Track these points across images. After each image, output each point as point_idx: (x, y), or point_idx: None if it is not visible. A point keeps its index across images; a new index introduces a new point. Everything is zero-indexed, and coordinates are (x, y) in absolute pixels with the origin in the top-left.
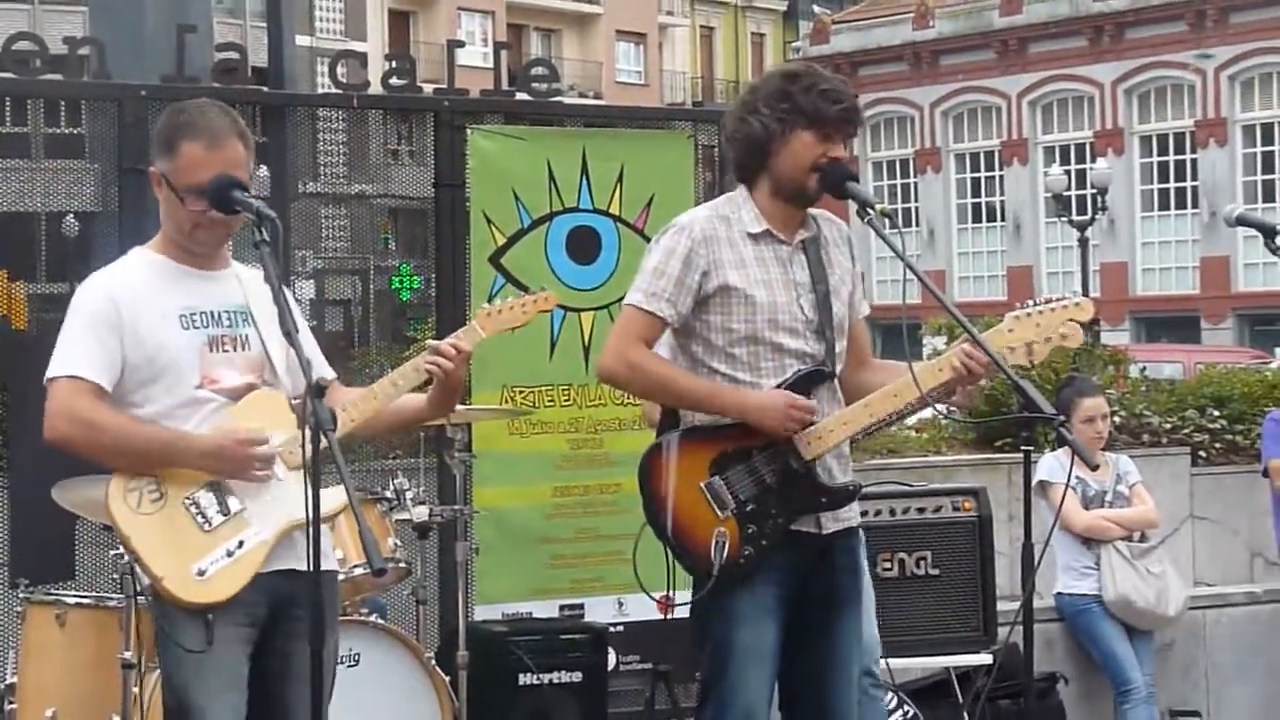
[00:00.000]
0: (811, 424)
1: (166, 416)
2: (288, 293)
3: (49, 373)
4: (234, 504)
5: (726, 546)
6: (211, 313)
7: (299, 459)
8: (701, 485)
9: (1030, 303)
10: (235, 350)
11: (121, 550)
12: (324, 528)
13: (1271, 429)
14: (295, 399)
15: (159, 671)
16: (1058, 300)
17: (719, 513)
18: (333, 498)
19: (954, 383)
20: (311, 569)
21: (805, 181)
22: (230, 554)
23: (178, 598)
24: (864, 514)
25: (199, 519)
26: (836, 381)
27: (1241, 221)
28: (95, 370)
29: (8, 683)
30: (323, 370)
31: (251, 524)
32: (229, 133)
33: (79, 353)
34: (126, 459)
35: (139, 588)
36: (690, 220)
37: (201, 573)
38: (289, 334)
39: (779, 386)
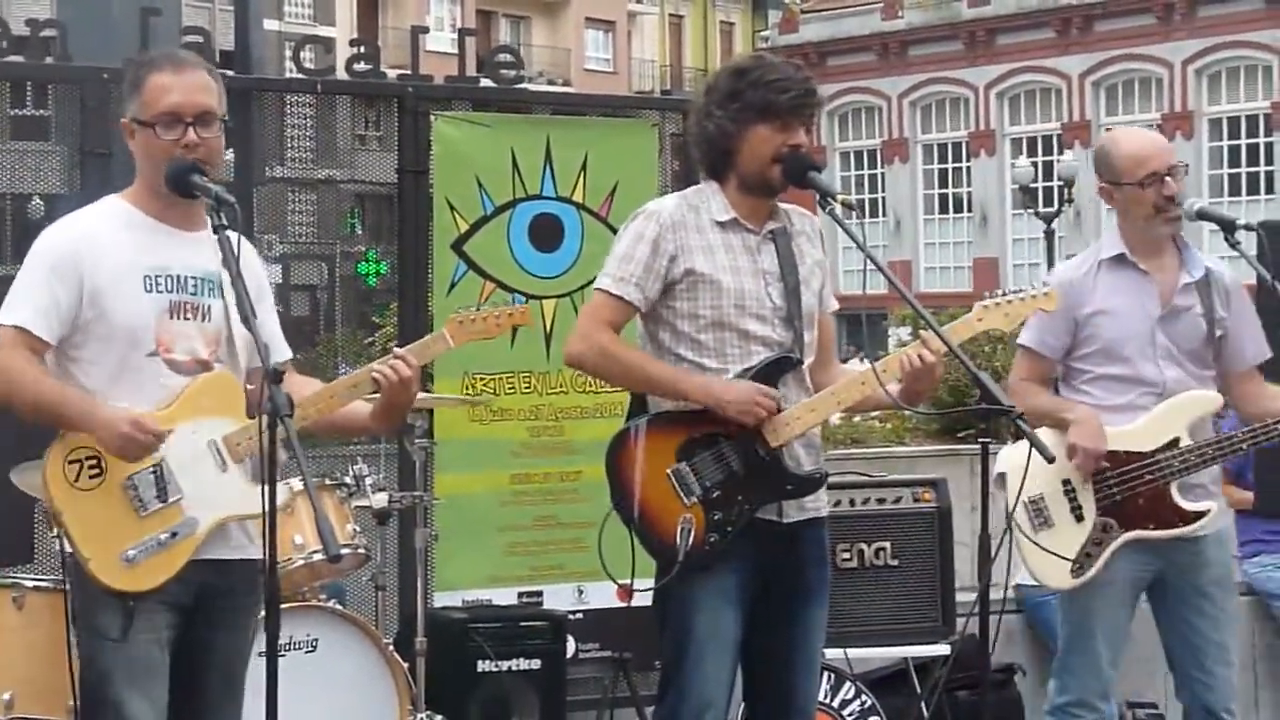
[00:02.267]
0: (778, 412)
1: (113, 379)
2: (261, 269)
3: (1, 314)
4: (173, 491)
5: (692, 533)
6: (178, 277)
7: (245, 450)
8: (668, 471)
9: (1000, 292)
10: (196, 319)
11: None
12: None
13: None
14: (250, 386)
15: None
16: (1026, 290)
17: (685, 499)
18: (279, 496)
19: (911, 375)
20: (266, 558)
21: (768, 173)
22: (161, 543)
23: (101, 581)
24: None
25: (135, 502)
26: (805, 370)
27: (1202, 215)
28: (42, 324)
29: None
30: (282, 352)
31: (187, 513)
32: (194, 62)
33: (28, 302)
34: (42, 415)
35: (66, 565)
36: (659, 206)
37: (129, 559)
38: (246, 319)
39: (746, 373)
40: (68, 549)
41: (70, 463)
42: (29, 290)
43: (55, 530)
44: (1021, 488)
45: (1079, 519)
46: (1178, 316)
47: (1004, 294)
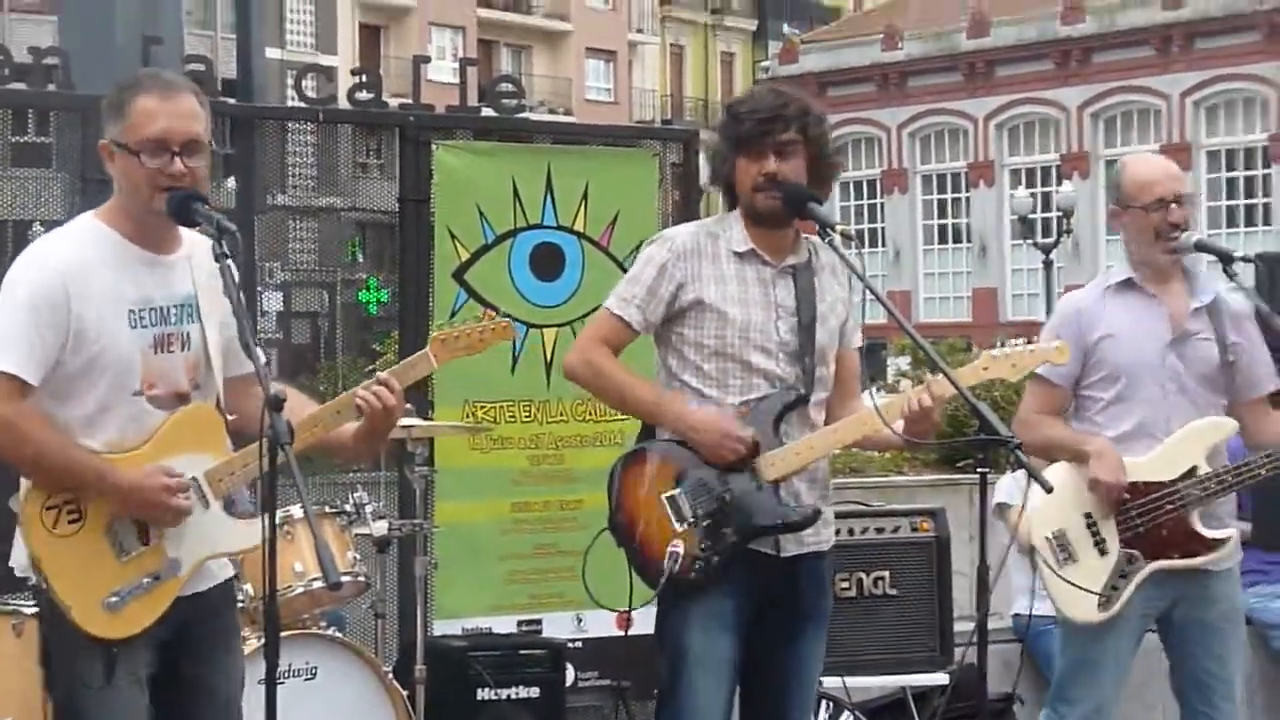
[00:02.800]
0: (757, 453)
1: (97, 417)
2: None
3: None
4: (154, 533)
5: (680, 559)
6: (161, 309)
7: (227, 486)
8: (663, 496)
9: (1013, 341)
10: (178, 350)
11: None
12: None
13: None
14: (231, 414)
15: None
16: (1038, 343)
17: (676, 525)
18: (252, 533)
19: (913, 418)
20: (266, 592)
21: (755, 203)
22: (144, 587)
23: (84, 630)
24: None
25: (115, 547)
26: (812, 406)
27: (1200, 247)
28: (30, 367)
29: None
30: (244, 363)
31: (169, 554)
32: (182, 87)
33: (16, 344)
34: (42, 476)
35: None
36: (674, 233)
37: (111, 605)
38: (247, 346)
39: (746, 404)
40: (44, 591)
41: (48, 509)
42: (14, 331)
43: (35, 576)
44: (1020, 523)
45: (1103, 552)
46: (1187, 341)
47: (1014, 343)
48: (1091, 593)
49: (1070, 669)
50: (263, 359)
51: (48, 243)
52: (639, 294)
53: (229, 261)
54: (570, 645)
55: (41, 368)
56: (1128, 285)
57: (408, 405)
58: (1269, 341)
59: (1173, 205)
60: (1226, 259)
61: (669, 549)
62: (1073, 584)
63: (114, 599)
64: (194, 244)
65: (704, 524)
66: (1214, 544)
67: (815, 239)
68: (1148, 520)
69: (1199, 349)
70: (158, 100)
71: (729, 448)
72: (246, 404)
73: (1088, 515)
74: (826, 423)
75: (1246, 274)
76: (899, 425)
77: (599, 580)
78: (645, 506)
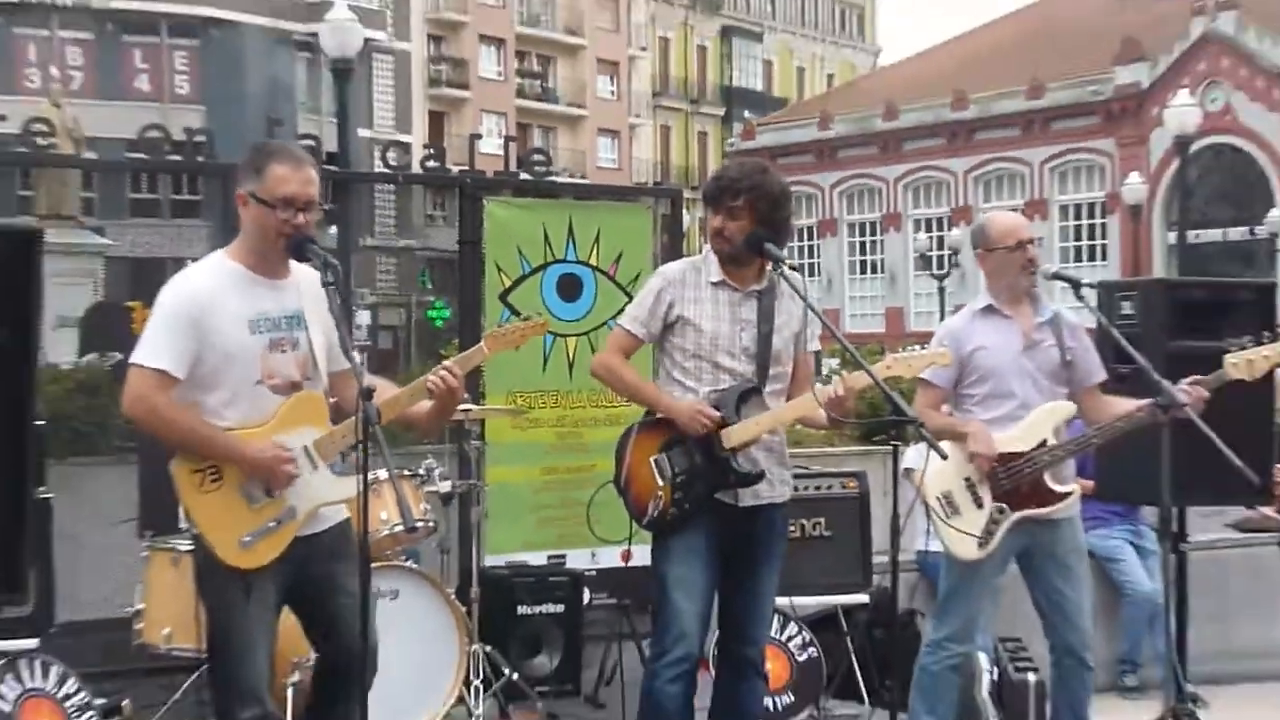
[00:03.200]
0: (724, 425)
1: (231, 401)
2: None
3: (134, 356)
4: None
5: (660, 506)
6: (274, 319)
7: (330, 452)
8: (652, 460)
9: (915, 347)
10: (289, 350)
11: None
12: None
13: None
14: (333, 398)
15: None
16: (928, 349)
17: (659, 481)
18: (349, 487)
19: (833, 402)
20: (361, 534)
21: (717, 247)
22: (269, 529)
23: (226, 563)
24: None
25: (248, 498)
26: (767, 395)
27: (1056, 277)
28: (174, 364)
29: (136, 609)
30: (341, 360)
31: (288, 504)
32: (305, 159)
33: (163, 347)
34: (188, 449)
35: (196, 549)
36: (669, 268)
37: (245, 543)
38: (347, 352)
39: (715, 394)
40: (196, 535)
41: (194, 473)
42: (160, 336)
43: (189, 524)
44: (921, 484)
45: (979, 506)
46: (1036, 348)
47: (910, 349)
48: (972, 536)
49: (951, 592)
50: (358, 359)
51: (186, 273)
52: (643, 315)
53: (332, 287)
54: (586, 573)
55: (183, 362)
56: (989, 309)
57: (465, 395)
58: (1116, 353)
59: (1028, 245)
60: (1076, 286)
61: (653, 499)
62: (958, 530)
63: (248, 539)
64: (301, 273)
65: (679, 479)
66: (1061, 497)
67: (791, 274)
68: (1012, 481)
69: (1045, 353)
70: (290, 169)
71: (700, 421)
72: (345, 392)
73: (968, 479)
74: None
75: (1091, 297)
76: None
77: (608, 525)
78: (638, 468)
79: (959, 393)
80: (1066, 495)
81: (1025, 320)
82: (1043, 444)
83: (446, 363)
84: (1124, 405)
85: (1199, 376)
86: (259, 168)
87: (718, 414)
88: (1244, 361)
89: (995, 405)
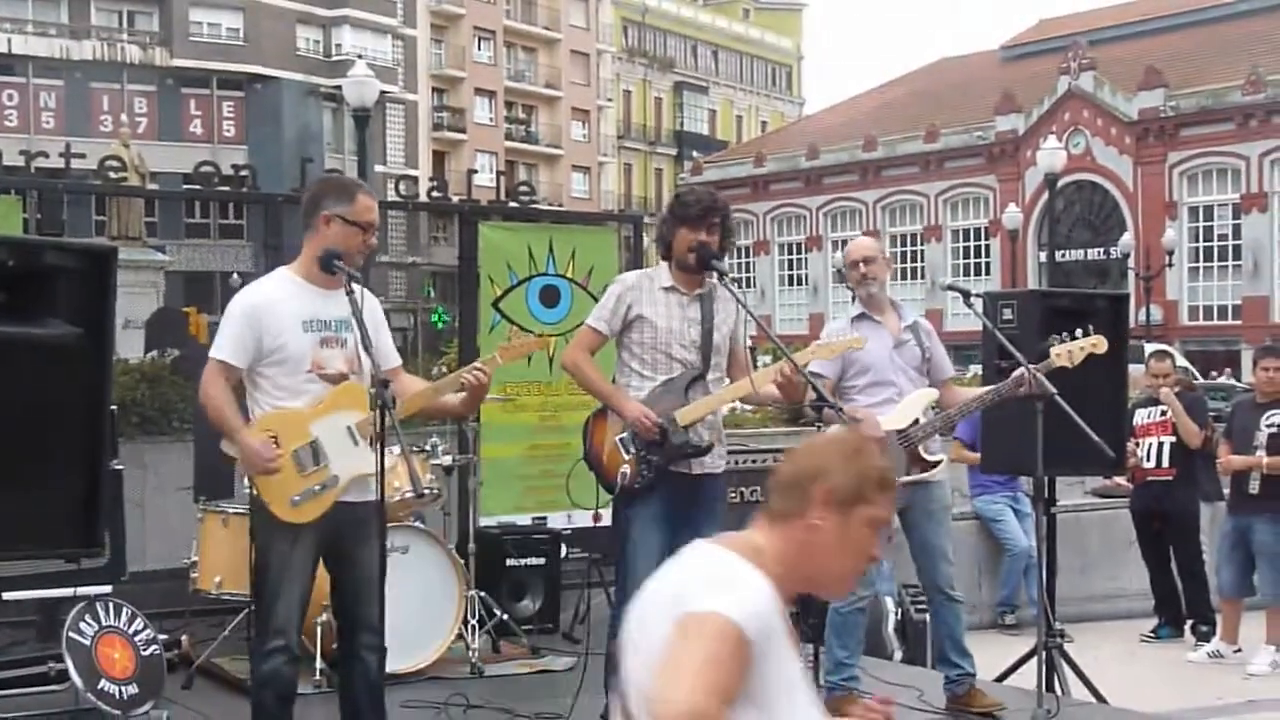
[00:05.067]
0: (662, 429)
1: (284, 389)
2: (379, 310)
3: (212, 350)
4: (323, 458)
5: (627, 476)
6: (325, 321)
7: (370, 431)
8: (617, 439)
9: (827, 336)
10: (337, 348)
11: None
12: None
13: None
14: (372, 389)
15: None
16: (843, 337)
17: (625, 455)
18: (386, 458)
19: (789, 383)
20: (379, 498)
21: (686, 259)
22: (315, 492)
23: (277, 517)
24: None
25: (298, 465)
26: (710, 380)
27: (949, 288)
28: (232, 354)
29: (192, 560)
30: (393, 359)
31: (332, 471)
32: (372, 192)
33: (224, 341)
34: (219, 427)
35: (253, 505)
36: (627, 277)
37: (295, 502)
38: (367, 349)
39: (669, 381)
40: (255, 495)
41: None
42: (226, 334)
43: (247, 484)
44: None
45: None
46: (903, 346)
47: (829, 337)
48: None
49: None
50: (389, 343)
51: (254, 283)
52: (605, 315)
53: (354, 295)
54: (564, 532)
55: (244, 355)
56: (862, 316)
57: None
58: (999, 350)
59: (860, 264)
60: (966, 295)
61: (620, 471)
62: None
63: (297, 498)
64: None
65: (641, 454)
66: (933, 464)
67: (715, 280)
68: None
69: (910, 350)
70: (369, 200)
71: (643, 425)
72: (397, 383)
73: None
74: None
75: (978, 304)
76: (768, 389)
77: (581, 492)
78: (605, 446)
79: (841, 385)
80: (937, 462)
81: (893, 324)
82: (915, 422)
83: (477, 364)
84: (973, 392)
85: (1035, 365)
86: (350, 194)
87: (658, 420)
88: (1065, 351)
89: (876, 392)
